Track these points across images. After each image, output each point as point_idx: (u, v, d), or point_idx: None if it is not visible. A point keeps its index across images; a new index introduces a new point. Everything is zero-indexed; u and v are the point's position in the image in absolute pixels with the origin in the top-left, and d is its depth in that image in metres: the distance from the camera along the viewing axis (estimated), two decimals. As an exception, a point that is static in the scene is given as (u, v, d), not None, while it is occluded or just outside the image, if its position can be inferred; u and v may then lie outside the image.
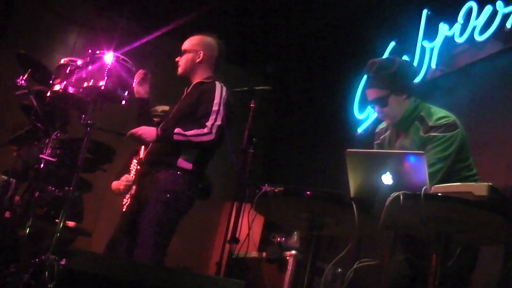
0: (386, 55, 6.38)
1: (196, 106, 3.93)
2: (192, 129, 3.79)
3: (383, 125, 3.76)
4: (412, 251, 3.47)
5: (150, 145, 4.02)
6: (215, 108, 3.85)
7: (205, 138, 3.78)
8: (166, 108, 4.86)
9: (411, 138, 3.45)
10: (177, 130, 3.77)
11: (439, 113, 3.44)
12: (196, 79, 4.12)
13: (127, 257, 3.78)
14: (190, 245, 6.94)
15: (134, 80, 4.04)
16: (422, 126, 3.41)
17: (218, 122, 3.82)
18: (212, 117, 3.83)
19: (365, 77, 6.24)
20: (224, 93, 3.93)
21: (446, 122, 3.35)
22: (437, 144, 3.30)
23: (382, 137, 3.72)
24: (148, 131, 3.78)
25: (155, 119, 4.71)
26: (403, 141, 3.52)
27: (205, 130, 3.79)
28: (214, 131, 3.79)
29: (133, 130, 3.79)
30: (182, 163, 3.85)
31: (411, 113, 3.48)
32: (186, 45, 4.19)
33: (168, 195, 3.78)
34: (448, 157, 3.28)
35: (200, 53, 4.13)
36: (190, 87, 4.13)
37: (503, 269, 3.93)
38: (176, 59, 4.19)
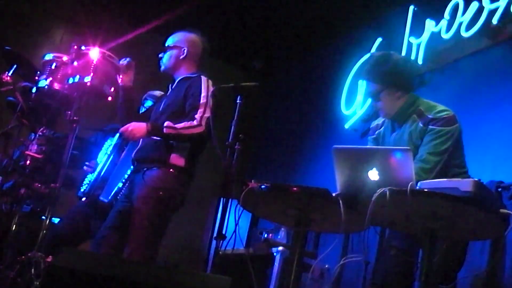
0: (373, 51, 6.39)
1: (184, 100, 3.93)
2: (181, 123, 3.78)
3: (379, 120, 3.77)
4: (401, 247, 3.47)
5: (140, 142, 4.01)
6: (203, 100, 3.85)
7: (195, 131, 3.78)
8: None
9: (408, 130, 3.44)
10: (167, 123, 3.77)
11: (439, 107, 3.44)
12: (180, 76, 4.11)
13: (114, 254, 3.76)
14: (177, 242, 6.91)
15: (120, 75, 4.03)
16: (421, 118, 3.41)
17: (207, 114, 3.81)
18: (201, 110, 3.83)
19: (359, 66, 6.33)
20: (210, 86, 3.93)
21: (446, 116, 3.36)
22: (436, 137, 3.31)
23: (377, 131, 3.72)
24: (138, 127, 3.78)
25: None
26: (397, 135, 3.52)
27: (195, 122, 3.78)
28: (203, 123, 3.79)
29: (124, 128, 3.79)
30: (175, 159, 3.85)
31: (407, 108, 3.49)
32: (170, 41, 4.19)
33: (160, 193, 3.77)
34: (445, 151, 3.29)
35: (184, 49, 4.12)
36: (175, 83, 4.12)
37: (490, 263, 3.96)
38: (159, 56, 4.18)
